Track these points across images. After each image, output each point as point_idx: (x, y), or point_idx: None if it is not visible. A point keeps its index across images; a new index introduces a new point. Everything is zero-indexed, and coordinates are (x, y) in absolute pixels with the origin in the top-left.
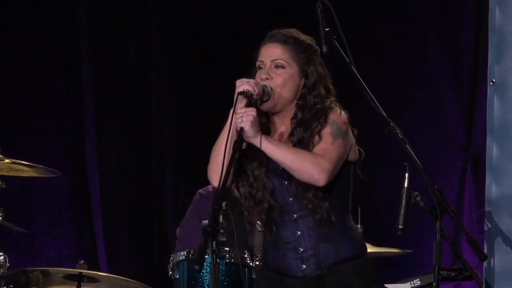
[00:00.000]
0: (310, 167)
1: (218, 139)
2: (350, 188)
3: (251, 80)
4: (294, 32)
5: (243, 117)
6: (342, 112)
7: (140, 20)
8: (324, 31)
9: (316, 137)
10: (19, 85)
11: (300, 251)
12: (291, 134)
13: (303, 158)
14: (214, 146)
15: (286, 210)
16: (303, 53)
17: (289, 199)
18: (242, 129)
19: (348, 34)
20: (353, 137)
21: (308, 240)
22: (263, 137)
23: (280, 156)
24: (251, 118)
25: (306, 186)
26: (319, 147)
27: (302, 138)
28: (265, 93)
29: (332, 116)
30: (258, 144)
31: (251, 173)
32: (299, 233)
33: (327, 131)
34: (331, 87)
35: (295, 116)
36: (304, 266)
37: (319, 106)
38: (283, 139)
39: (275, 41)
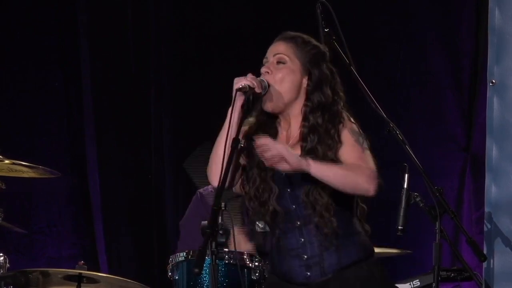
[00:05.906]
0: (364, 179)
1: (216, 140)
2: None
3: (249, 75)
4: (304, 35)
5: (286, 152)
6: (354, 125)
7: (140, 20)
8: (324, 32)
9: (330, 153)
10: (19, 85)
11: (304, 258)
12: (303, 139)
13: (353, 172)
14: (213, 147)
15: (290, 217)
16: (308, 53)
17: (292, 207)
18: (284, 161)
19: (348, 34)
20: None
21: (312, 247)
22: (311, 162)
23: (331, 176)
24: (285, 150)
25: (313, 199)
26: (353, 157)
27: (315, 149)
28: (262, 87)
29: (348, 129)
30: (307, 171)
31: (257, 175)
32: (302, 240)
33: (351, 142)
34: (340, 92)
35: (305, 118)
36: (308, 273)
37: (331, 112)
38: (290, 141)
39: (281, 39)
